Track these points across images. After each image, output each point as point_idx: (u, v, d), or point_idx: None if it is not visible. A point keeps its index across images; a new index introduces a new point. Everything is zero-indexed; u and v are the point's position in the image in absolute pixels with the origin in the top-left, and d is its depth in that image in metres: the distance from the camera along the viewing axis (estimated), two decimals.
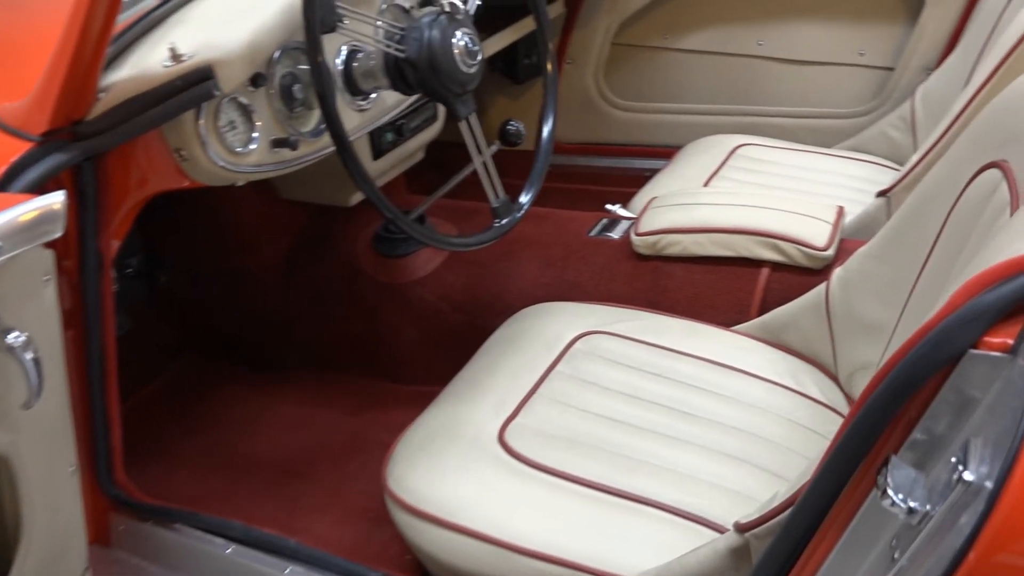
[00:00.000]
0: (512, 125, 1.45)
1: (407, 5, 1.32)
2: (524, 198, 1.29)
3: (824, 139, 2.05)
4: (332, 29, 1.00)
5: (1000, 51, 1.32)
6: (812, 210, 1.40)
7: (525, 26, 1.98)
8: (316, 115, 1.21)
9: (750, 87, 2.13)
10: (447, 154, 2.41)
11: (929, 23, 1.87)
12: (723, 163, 1.84)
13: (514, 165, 1.66)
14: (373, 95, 1.26)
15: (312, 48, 0.99)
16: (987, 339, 0.58)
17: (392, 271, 1.62)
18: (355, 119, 1.24)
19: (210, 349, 1.78)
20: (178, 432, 1.58)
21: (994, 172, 0.95)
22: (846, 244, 1.39)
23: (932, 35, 1.87)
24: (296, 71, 1.17)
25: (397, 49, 1.12)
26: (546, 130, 1.33)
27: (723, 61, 2.14)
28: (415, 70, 1.12)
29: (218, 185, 1.13)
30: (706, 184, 1.75)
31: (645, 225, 1.48)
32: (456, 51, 1.12)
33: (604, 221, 1.61)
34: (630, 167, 2.30)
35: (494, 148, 1.51)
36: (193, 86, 1.01)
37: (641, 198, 1.77)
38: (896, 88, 1.95)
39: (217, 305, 1.75)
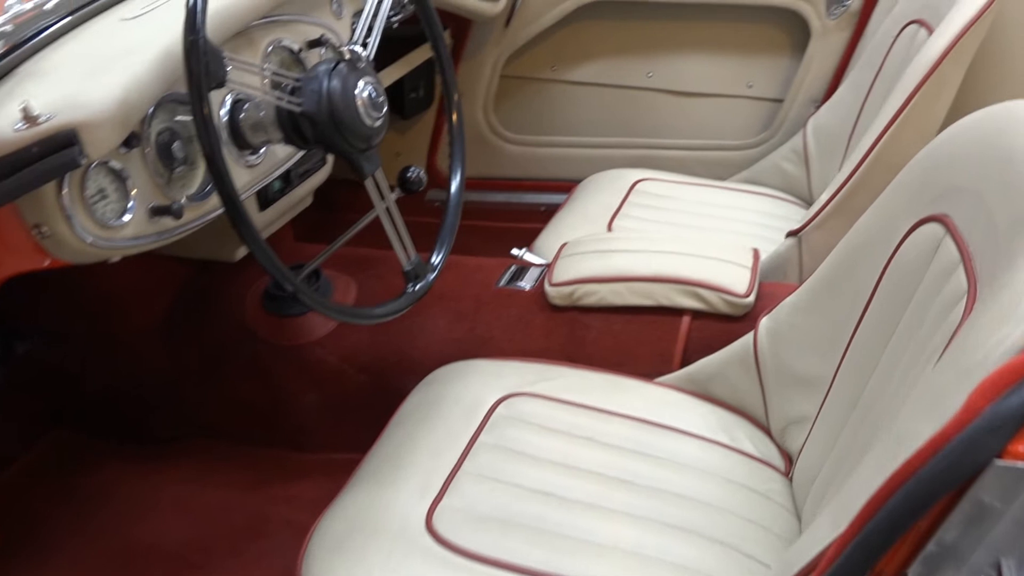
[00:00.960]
0: (412, 171, 1.36)
1: (295, 47, 1.21)
2: (436, 258, 1.20)
3: (717, 171, 2.05)
4: (222, 84, 0.88)
5: (903, 91, 1.33)
6: (730, 254, 1.37)
7: (412, 61, 1.89)
8: (201, 174, 1.07)
9: (641, 119, 2.11)
10: (334, 192, 2.29)
11: (815, 56, 1.89)
12: (624, 200, 1.80)
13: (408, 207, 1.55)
14: (263, 149, 1.14)
15: (197, 104, 0.86)
16: (1013, 448, 0.53)
17: (287, 332, 1.48)
18: (244, 176, 1.11)
19: (85, 422, 1.59)
20: (50, 517, 1.39)
21: (934, 227, 0.93)
22: (764, 288, 1.36)
23: (818, 68, 1.90)
24: (174, 125, 1.03)
25: (291, 102, 1.00)
26: (455, 184, 1.24)
27: (613, 93, 2.11)
28: (313, 125, 1.01)
29: (88, 263, 0.98)
30: (610, 223, 1.70)
31: (559, 275, 1.40)
32: (359, 103, 1.01)
33: (512, 269, 1.53)
34: (524, 202, 2.24)
35: (394, 196, 1.41)
36: (53, 153, 0.85)
37: (545, 240, 1.70)
38: (786, 120, 1.97)
39: (90, 373, 1.57)
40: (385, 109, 1.06)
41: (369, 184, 1.08)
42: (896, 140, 1.34)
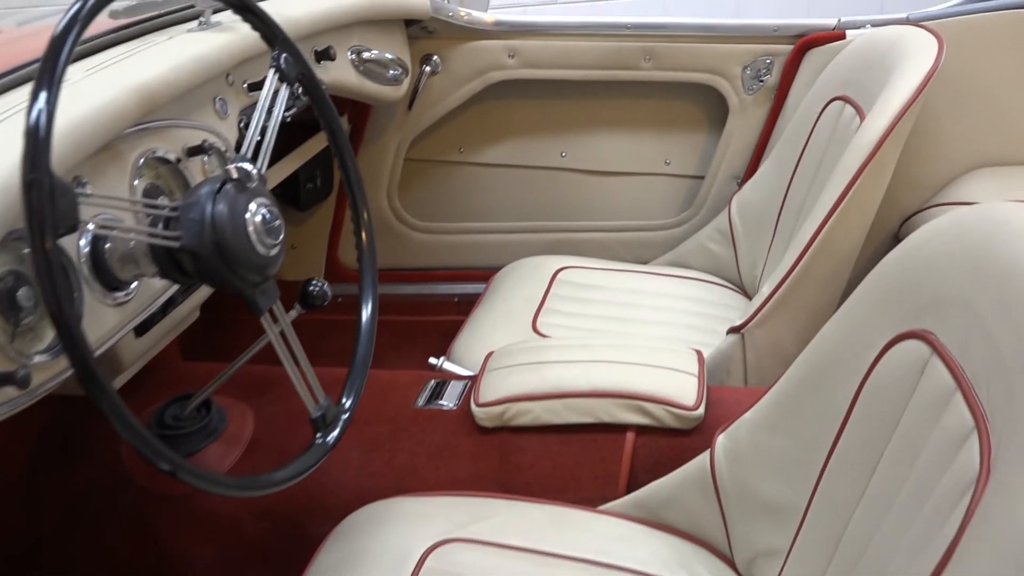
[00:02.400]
0: (315, 284, 1.19)
1: (172, 157, 1.03)
2: (347, 401, 1.03)
3: (640, 253, 1.95)
4: (74, 228, 0.70)
5: (843, 175, 1.24)
6: (673, 360, 1.25)
7: (307, 151, 1.73)
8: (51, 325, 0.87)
9: (558, 201, 2.00)
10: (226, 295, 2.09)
11: (734, 132, 1.82)
12: (547, 292, 1.67)
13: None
14: (135, 283, 0.95)
15: (40, 256, 0.68)
16: None
17: (167, 480, 1.27)
18: (111, 318, 0.92)
19: None
20: None
21: (916, 344, 0.82)
22: (712, 394, 1.24)
23: (738, 144, 1.83)
24: (20, 270, 0.84)
25: (167, 237, 0.83)
26: (366, 312, 1.08)
27: (526, 175, 2.00)
28: (196, 259, 0.84)
29: None
30: (535, 320, 1.57)
31: (487, 392, 1.25)
32: (251, 229, 0.85)
33: (432, 384, 1.37)
34: (437, 292, 2.08)
35: (293, 314, 1.24)
36: None
37: (464, 344, 1.55)
38: (708, 198, 1.89)
39: None
40: (283, 235, 0.90)
41: (265, 322, 0.91)
42: (840, 226, 1.26)
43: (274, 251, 0.88)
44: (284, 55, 0.98)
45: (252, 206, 0.86)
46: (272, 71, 0.98)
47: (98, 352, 0.90)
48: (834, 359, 0.93)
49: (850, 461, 0.89)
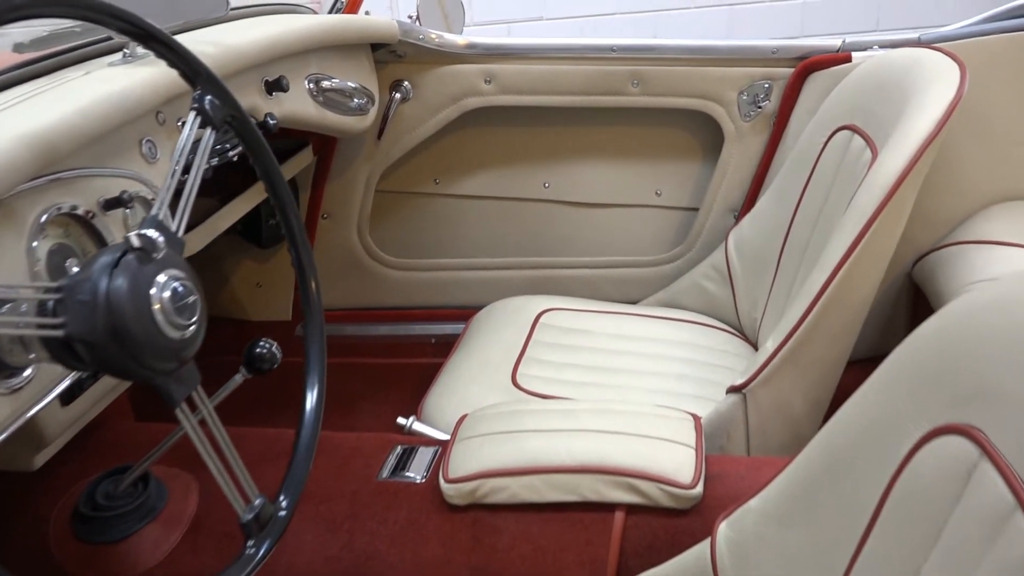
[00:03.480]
0: (263, 346, 1.05)
1: (83, 211, 0.89)
2: (285, 499, 0.88)
3: (630, 291, 1.81)
4: None
5: (857, 218, 1.11)
6: (667, 429, 1.10)
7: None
8: None
9: (541, 236, 1.86)
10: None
11: (731, 161, 1.69)
12: (528, 338, 1.53)
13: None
14: (31, 368, 0.80)
15: None
16: None
17: (104, 563, 1.12)
18: (3, 408, 0.78)
19: None
20: None
21: (959, 442, 0.68)
22: (711, 464, 1.09)
23: (735, 174, 1.69)
24: None
25: (46, 326, 0.68)
26: (311, 397, 0.94)
27: (506, 207, 1.86)
28: (89, 348, 0.69)
29: None
30: (515, 372, 1.43)
31: (457, 465, 1.11)
32: (156, 309, 0.71)
33: (398, 451, 1.23)
34: (412, 333, 1.94)
35: (238, 380, 1.09)
36: None
37: (437, 401, 1.41)
38: (702, 232, 1.75)
39: None
40: (198, 313, 0.76)
41: (180, 415, 0.77)
42: (852, 275, 1.12)
43: (188, 332, 0.74)
44: (208, 96, 0.84)
45: (161, 279, 0.72)
46: (192, 114, 0.84)
47: None
48: (857, 448, 0.79)
49: (882, 569, 0.75)
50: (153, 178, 1.01)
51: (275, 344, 1.05)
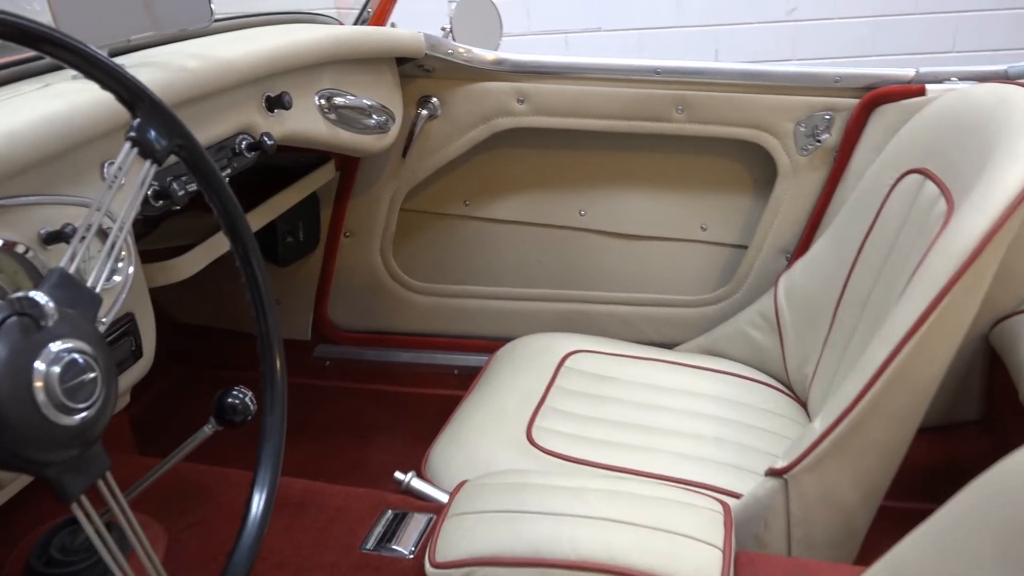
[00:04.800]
0: (236, 395, 0.93)
1: (23, 248, 0.78)
2: None
3: (668, 333, 1.65)
4: None
5: (930, 285, 0.94)
6: (690, 522, 0.95)
7: (281, 203, 1.48)
8: None
9: (574, 266, 1.71)
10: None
11: (784, 198, 1.52)
12: (550, 384, 1.39)
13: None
14: None
15: None
16: None
17: None
18: None
19: None
20: None
21: None
22: (742, 565, 0.94)
23: (789, 212, 1.53)
24: None
25: None
26: (255, 505, 0.81)
27: (539, 234, 1.72)
28: None
29: None
30: (530, 426, 1.29)
31: (447, 546, 0.97)
32: (39, 387, 0.58)
33: (388, 516, 1.10)
34: (435, 363, 1.81)
35: (207, 431, 0.98)
36: None
37: (441, 454, 1.28)
38: (750, 273, 1.58)
39: None
40: (99, 392, 0.63)
41: (78, 511, 0.64)
42: (921, 351, 0.95)
43: (84, 415, 0.61)
44: (149, 124, 0.72)
45: (52, 349, 0.59)
46: (128, 145, 0.71)
47: None
48: None
49: None
50: (116, 205, 0.90)
51: (250, 395, 0.93)
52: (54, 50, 0.68)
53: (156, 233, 1.36)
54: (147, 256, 1.21)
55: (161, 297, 1.88)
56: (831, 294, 1.34)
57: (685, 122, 1.51)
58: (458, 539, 0.97)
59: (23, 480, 0.99)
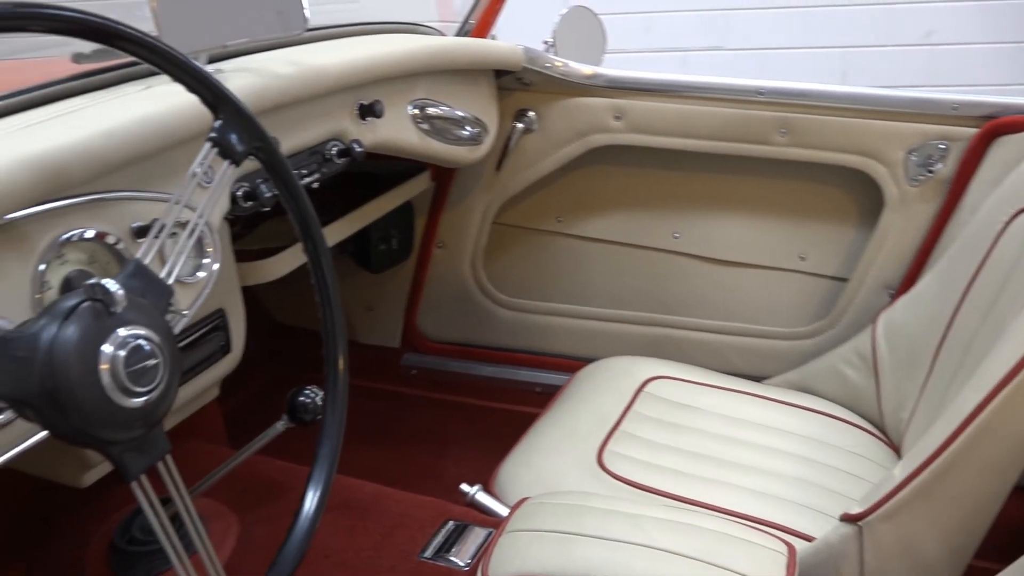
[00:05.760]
0: (308, 394, 0.96)
1: (114, 239, 0.82)
2: None
3: (758, 364, 1.60)
4: None
5: None
6: (751, 562, 0.91)
7: (373, 210, 1.51)
8: None
9: (664, 290, 1.68)
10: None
11: (891, 230, 1.45)
12: (627, 408, 1.36)
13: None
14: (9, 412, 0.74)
15: None
16: None
17: None
18: None
19: None
20: None
21: None
22: None
23: (895, 245, 1.45)
24: None
25: None
26: (309, 501, 0.82)
27: (631, 255, 1.69)
28: (22, 409, 0.61)
29: None
30: (602, 450, 1.26)
31: (500, 562, 0.96)
32: (104, 370, 0.61)
33: (449, 526, 1.10)
34: (517, 379, 1.81)
35: (279, 428, 1.00)
36: None
37: (512, 468, 1.27)
38: (849, 307, 1.51)
39: None
40: (162, 377, 0.65)
41: (138, 491, 0.67)
42: (1018, 397, 0.88)
43: (146, 398, 0.64)
44: (229, 126, 0.75)
45: (120, 334, 0.62)
46: (208, 145, 0.74)
47: None
48: None
49: None
50: (205, 204, 0.94)
51: (321, 395, 0.95)
52: (146, 54, 0.72)
53: (254, 234, 1.41)
54: (243, 256, 1.26)
55: (262, 298, 1.95)
56: (933, 335, 1.26)
57: (787, 146, 1.45)
58: (512, 556, 0.96)
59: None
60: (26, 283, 0.74)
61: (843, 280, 1.54)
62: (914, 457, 0.95)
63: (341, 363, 0.85)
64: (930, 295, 1.31)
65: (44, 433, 0.76)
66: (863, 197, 1.49)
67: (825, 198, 1.52)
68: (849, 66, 3.91)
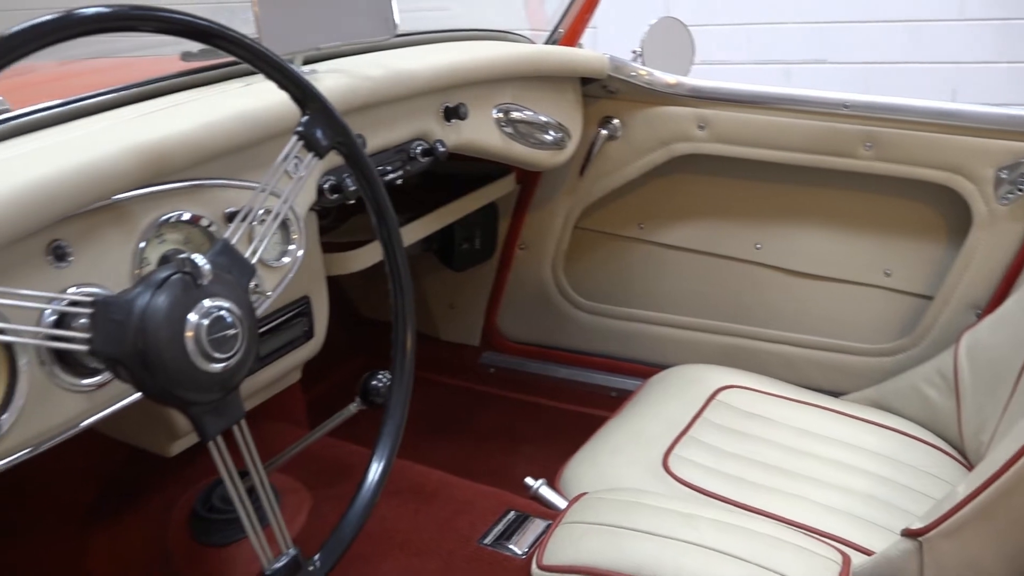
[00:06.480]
0: (380, 378, 1.01)
1: (208, 222, 0.89)
2: (321, 560, 0.82)
3: (837, 380, 1.58)
4: None
5: None
6: (801, 568, 0.91)
7: (455, 210, 1.56)
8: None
9: (744, 300, 1.67)
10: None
11: (978, 249, 1.41)
12: (697, 415, 1.36)
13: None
14: (107, 373, 0.81)
15: None
16: None
17: (205, 566, 1.14)
18: (71, 406, 0.78)
19: None
20: None
21: None
22: None
23: (982, 264, 1.41)
24: None
25: (76, 340, 0.66)
26: (373, 471, 0.87)
27: (711, 264, 1.69)
28: (117, 367, 0.67)
29: None
30: (667, 455, 1.27)
31: (555, 551, 0.99)
32: (189, 337, 0.67)
33: (510, 516, 1.13)
34: (592, 382, 1.83)
35: (352, 410, 1.06)
36: None
37: (577, 465, 1.29)
38: (934, 326, 1.48)
39: None
40: (239, 346, 0.71)
41: (214, 450, 0.73)
42: None
43: (224, 364, 0.70)
44: (316, 121, 0.80)
45: (205, 304, 0.68)
46: (295, 138, 0.80)
47: (39, 448, 0.76)
48: None
49: None
50: (291, 193, 1.01)
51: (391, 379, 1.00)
52: (243, 54, 0.78)
53: (342, 228, 1.48)
54: (329, 247, 1.33)
55: (350, 293, 2.03)
56: (1018, 357, 1.23)
57: (872, 160, 1.44)
58: (566, 546, 0.99)
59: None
60: (127, 258, 0.81)
61: (928, 298, 1.50)
62: (978, 475, 0.93)
63: (409, 343, 0.89)
64: (1016, 316, 1.27)
65: (136, 395, 0.84)
66: (950, 214, 1.46)
67: (911, 214, 1.49)
68: (960, 84, 3.78)
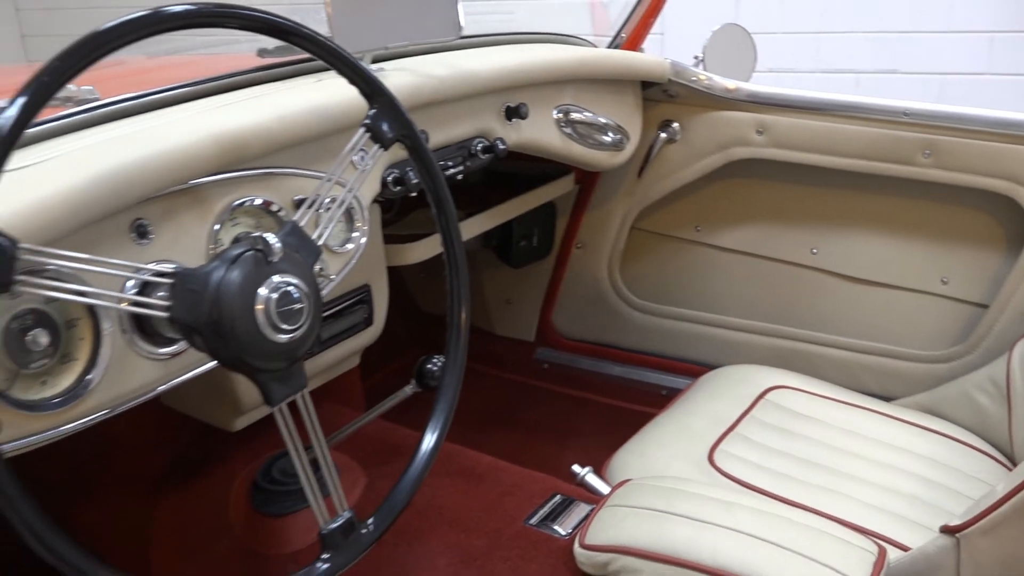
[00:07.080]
0: (435, 362, 1.06)
1: (277, 207, 0.95)
2: (375, 523, 0.87)
3: (889, 385, 1.58)
4: (5, 288, 0.62)
5: None
6: (836, 556, 0.93)
7: (513, 208, 1.61)
8: (77, 370, 0.81)
9: (798, 304, 1.69)
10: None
11: None
12: (745, 413, 1.39)
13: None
14: (183, 343, 0.88)
15: None
16: None
17: (264, 534, 1.20)
18: (147, 372, 0.84)
19: None
20: None
21: None
22: None
23: None
24: (46, 310, 0.78)
25: (156, 307, 0.73)
26: (428, 440, 0.92)
27: (766, 267, 1.71)
28: (193, 334, 0.74)
29: None
30: (713, 449, 1.30)
31: (597, 532, 1.03)
32: (259, 309, 0.73)
33: (556, 499, 1.18)
34: (644, 380, 1.86)
35: (407, 391, 1.11)
36: None
37: (625, 456, 1.32)
38: (989, 334, 1.47)
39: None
40: (304, 320, 0.77)
41: (278, 416, 0.79)
42: None
43: (290, 336, 0.75)
44: (382, 114, 0.86)
45: (274, 279, 0.74)
46: (362, 129, 0.86)
47: (116, 410, 0.82)
48: None
49: None
50: (356, 184, 1.07)
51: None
52: (316, 50, 0.85)
53: (404, 222, 1.54)
54: (391, 239, 1.39)
55: (411, 287, 2.10)
56: None
57: (931, 167, 1.44)
58: (608, 527, 1.03)
59: (266, 409, 1.19)
60: (203, 239, 0.88)
61: (983, 306, 1.50)
62: (1018, 474, 0.94)
63: (463, 321, 0.94)
64: None
65: (206, 366, 0.90)
66: (1008, 223, 1.45)
67: (968, 222, 1.49)
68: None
